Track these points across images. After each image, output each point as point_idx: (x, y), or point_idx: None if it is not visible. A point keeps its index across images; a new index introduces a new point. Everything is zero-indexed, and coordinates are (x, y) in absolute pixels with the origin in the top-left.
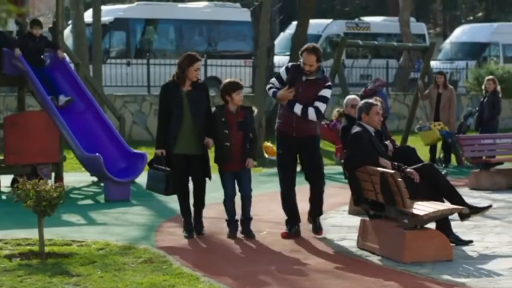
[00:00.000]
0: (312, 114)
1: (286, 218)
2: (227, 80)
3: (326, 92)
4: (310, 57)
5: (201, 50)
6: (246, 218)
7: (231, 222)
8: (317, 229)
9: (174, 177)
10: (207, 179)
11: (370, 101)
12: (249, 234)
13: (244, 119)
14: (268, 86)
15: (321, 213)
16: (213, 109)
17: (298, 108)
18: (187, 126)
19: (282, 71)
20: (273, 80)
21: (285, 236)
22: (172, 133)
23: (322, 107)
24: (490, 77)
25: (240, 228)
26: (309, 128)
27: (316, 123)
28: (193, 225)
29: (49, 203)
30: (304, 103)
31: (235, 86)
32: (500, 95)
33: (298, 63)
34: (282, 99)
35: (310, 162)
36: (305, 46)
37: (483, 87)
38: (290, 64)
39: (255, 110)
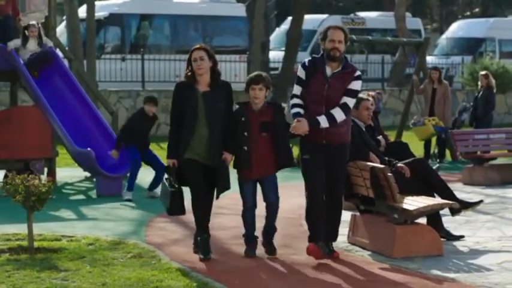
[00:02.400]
0: (339, 115)
1: (309, 234)
2: (252, 74)
3: (356, 85)
4: (337, 32)
5: None
6: (270, 228)
7: (249, 238)
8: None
9: (193, 184)
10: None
11: (360, 95)
12: (270, 247)
13: (271, 119)
14: (291, 102)
15: (336, 236)
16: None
17: (323, 121)
18: (201, 134)
19: (300, 70)
20: (295, 88)
21: (312, 249)
22: (185, 139)
23: (350, 102)
24: (483, 72)
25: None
26: (340, 134)
27: (349, 126)
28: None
29: (38, 197)
30: (334, 103)
31: (251, 80)
32: (494, 90)
33: (317, 55)
34: (299, 132)
35: (337, 174)
36: (326, 26)
37: (479, 82)
38: (307, 60)
39: (285, 107)
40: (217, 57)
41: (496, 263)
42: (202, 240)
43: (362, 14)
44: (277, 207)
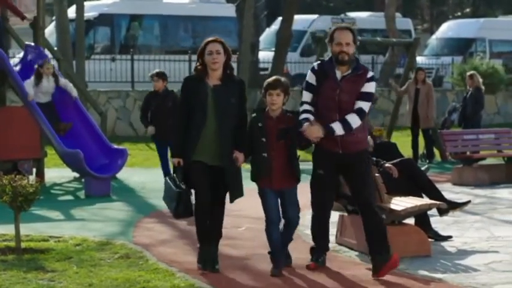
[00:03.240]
0: (354, 121)
1: (313, 245)
2: (270, 78)
3: (369, 87)
4: (344, 34)
5: (186, 46)
6: (287, 240)
7: (276, 255)
8: (377, 268)
9: (197, 191)
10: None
11: None
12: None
13: (289, 127)
14: (300, 109)
15: (384, 249)
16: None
17: (338, 128)
18: (210, 131)
19: (309, 75)
20: (304, 95)
21: (313, 267)
22: (191, 138)
23: (366, 106)
24: (470, 72)
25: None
26: (357, 141)
27: (366, 132)
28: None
29: (25, 198)
30: (347, 108)
31: (268, 85)
32: (483, 90)
33: (326, 58)
34: (311, 137)
35: (361, 185)
36: (333, 27)
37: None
38: (316, 63)
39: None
40: None
41: (484, 263)
42: (206, 253)
43: (352, 14)
44: (297, 223)
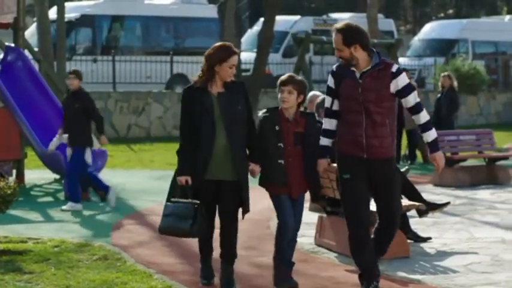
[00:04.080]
0: (427, 117)
1: (360, 272)
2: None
3: (401, 80)
4: (335, 38)
5: (168, 47)
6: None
7: (285, 263)
8: None
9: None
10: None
11: (314, 92)
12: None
13: (305, 131)
14: (323, 121)
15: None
16: (260, 113)
17: (433, 134)
18: (220, 144)
19: (329, 79)
20: (326, 100)
21: None
22: (204, 153)
23: (415, 97)
24: (445, 73)
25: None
26: (383, 146)
27: (393, 137)
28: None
29: (3, 199)
30: (373, 109)
31: (280, 81)
32: (457, 91)
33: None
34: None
35: (387, 195)
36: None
37: (439, 83)
38: (335, 66)
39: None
40: (189, 58)
41: (463, 264)
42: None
43: (334, 15)
44: (297, 229)
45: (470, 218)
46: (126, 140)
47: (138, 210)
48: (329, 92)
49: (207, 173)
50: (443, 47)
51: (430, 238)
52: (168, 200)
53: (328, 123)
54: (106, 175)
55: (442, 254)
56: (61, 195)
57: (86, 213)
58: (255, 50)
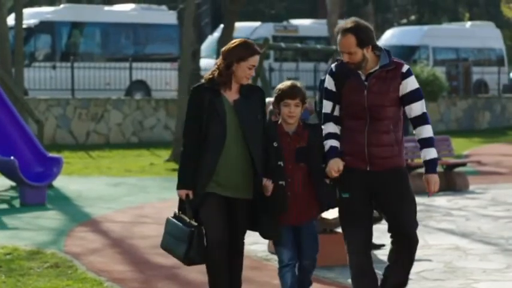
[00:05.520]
0: (430, 131)
1: None
2: (285, 82)
3: (411, 83)
4: (346, 40)
5: (128, 53)
6: (305, 285)
7: None
8: None
9: (211, 232)
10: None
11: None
12: None
13: (308, 145)
14: (323, 127)
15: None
16: None
17: (431, 152)
18: (231, 156)
19: (328, 80)
20: (324, 104)
21: None
22: (208, 166)
23: (423, 106)
24: None
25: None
26: (388, 155)
27: (401, 145)
28: None
29: None
30: (380, 115)
31: (284, 93)
32: None
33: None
34: (331, 174)
35: (397, 212)
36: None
37: None
38: (333, 65)
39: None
40: (149, 65)
41: (415, 271)
42: None
43: (295, 21)
44: (314, 267)
45: (425, 225)
46: (85, 146)
47: (93, 218)
48: (328, 95)
49: (212, 185)
50: (404, 54)
51: (383, 245)
52: (176, 211)
53: (332, 128)
54: (62, 182)
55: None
56: (16, 203)
57: (41, 220)
58: (215, 56)
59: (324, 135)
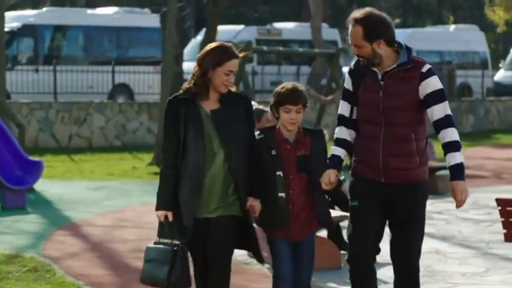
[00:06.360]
0: (457, 135)
1: None
2: (285, 84)
3: (433, 83)
4: (353, 32)
5: (111, 57)
6: None
7: None
8: None
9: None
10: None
11: (261, 107)
12: None
13: (310, 153)
14: (336, 130)
15: None
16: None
17: (459, 156)
18: (212, 172)
19: (347, 78)
20: (341, 106)
21: None
22: (186, 184)
23: (446, 108)
24: None
25: None
26: (407, 166)
27: (422, 155)
28: None
29: None
30: (396, 120)
31: (284, 97)
32: None
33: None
34: (324, 186)
35: (405, 232)
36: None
37: None
38: (353, 63)
39: (326, 134)
40: (131, 68)
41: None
42: None
43: (278, 25)
44: (309, 286)
45: None
46: (68, 150)
47: (73, 221)
48: (346, 96)
49: (192, 207)
50: None
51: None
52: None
53: (343, 133)
54: (44, 186)
55: (375, 265)
56: None
57: (21, 224)
58: None
59: (334, 140)
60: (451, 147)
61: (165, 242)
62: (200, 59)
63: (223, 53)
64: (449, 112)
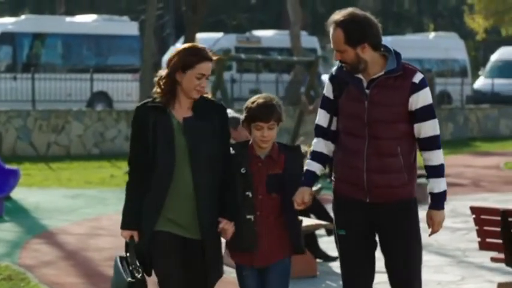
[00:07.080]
0: (441, 157)
1: None
2: (257, 98)
3: (424, 96)
4: (333, 35)
5: (89, 64)
6: None
7: None
8: None
9: (164, 279)
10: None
11: (237, 115)
12: None
13: (283, 172)
14: (313, 142)
15: None
16: None
17: (442, 183)
18: (181, 188)
19: (327, 85)
20: (319, 114)
21: None
22: (155, 200)
23: (435, 126)
24: None
25: None
26: (393, 184)
27: (410, 171)
28: None
29: None
30: (381, 134)
31: (255, 113)
32: None
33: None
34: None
35: (399, 255)
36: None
37: None
38: (334, 68)
39: (306, 151)
40: (110, 76)
41: None
42: None
43: (258, 32)
44: None
45: None
46: (46, 158)
47: (49, 230)
48: (325, 104)
49: (158, 223)
50: None
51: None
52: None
53: (320, 145)
54: (21, 194)
55: None
56: None
57: None
58: None
59: (310, 152)
60: (436, 172)
61: (127, 264)
62: (169, 60)
63: (194, 54)
64: (438, 132)
